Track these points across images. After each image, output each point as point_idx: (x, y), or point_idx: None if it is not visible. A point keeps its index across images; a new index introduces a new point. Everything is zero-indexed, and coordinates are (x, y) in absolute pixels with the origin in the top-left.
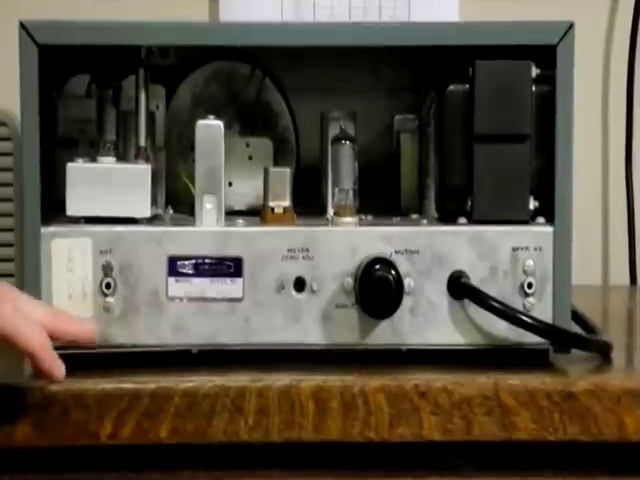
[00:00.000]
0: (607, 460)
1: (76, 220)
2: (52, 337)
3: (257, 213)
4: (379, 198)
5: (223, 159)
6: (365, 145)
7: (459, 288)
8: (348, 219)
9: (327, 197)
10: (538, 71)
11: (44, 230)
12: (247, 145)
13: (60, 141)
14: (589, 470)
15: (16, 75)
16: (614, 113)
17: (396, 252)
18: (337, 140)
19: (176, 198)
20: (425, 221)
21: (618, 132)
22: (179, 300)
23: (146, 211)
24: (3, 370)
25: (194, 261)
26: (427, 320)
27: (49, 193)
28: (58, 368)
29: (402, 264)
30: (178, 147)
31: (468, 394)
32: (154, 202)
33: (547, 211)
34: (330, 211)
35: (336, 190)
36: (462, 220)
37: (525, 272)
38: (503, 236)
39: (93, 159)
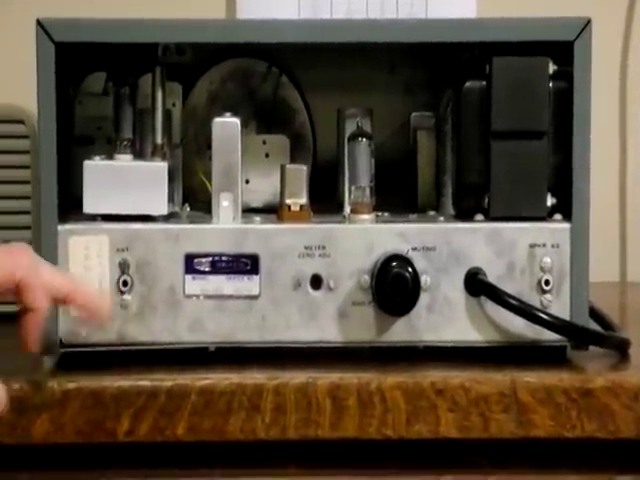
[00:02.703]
0: (625, 457)
1: (93, 218)
2: (68, 300)
3: (274, 210)
4: (396, 195)
5: (240, 156)
6: (382, 142)
7: (476, 285)
8: (365, 216)
9: (344, 194)
10: (555, 67)
11: (61, 228)
12: (264, 142)
13: (77, 139)
14: (607, 467)
15: (33, 73)
16: (632, 109)
17: (413, 249)
18: (354, 137)
19: (193, 196)
20: (442, 218)
21: (636, 128)
22: (196, 297)
23: (163, 209)
24: (21, 367)
25: (211, 258)
26: (444, 317)
27: (66, 191)
28: (36, 342)
29: (419, 261)
30: (195, 145)
31: (485, 391)
32: (171, 200)
33: (564, 208)
34: (347, 208)
35: (353, 187)
36: (479, 217)
37: (542, 269)
38: (520, 233)
39: (110, 157)
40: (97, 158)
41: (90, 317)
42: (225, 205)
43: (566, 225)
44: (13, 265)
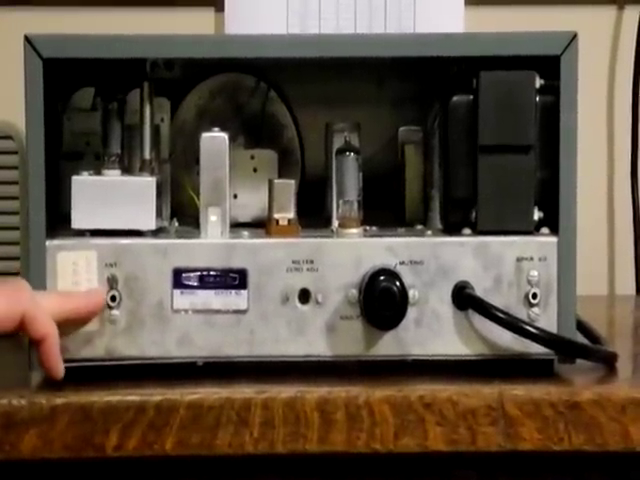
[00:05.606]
0: (612, 470)
1: (81, 233)
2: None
3: (262, 225)
4: (383, 209)
5: (228, 171)
6: (370, 156)
7: (464, 299)
8: (352, 230)
9: (332, 208)
10: (542, 82)
11: (49, 243)
12: (252, 157)
13: (65, 154)
14: None
15: (21, 89)
16: (619, 123)
17: (401, 263)
18: (341, 152)
19: (181, 210)
20: (430, 232)
21: (623, 142)
22: (184, 312)
23: (151, 223)
24: (10, 382)
25: (199, 273)
26: (432, 331)
27: (54, 206)
28: (60, 365)
29: (406, 275)
30: (183, 160)
31: (473, 405)
32: (159, 214)
33: (552, 221)
34: (335, 222)
35: (340, 201)
36: (466, 231)
37: (530, 282)
38: (508, 247)
39: (98, 172)
40: (85, 173)
41: (89, 319)
42: (213, 220)
43: (553, 239)
44: (18, 303)
